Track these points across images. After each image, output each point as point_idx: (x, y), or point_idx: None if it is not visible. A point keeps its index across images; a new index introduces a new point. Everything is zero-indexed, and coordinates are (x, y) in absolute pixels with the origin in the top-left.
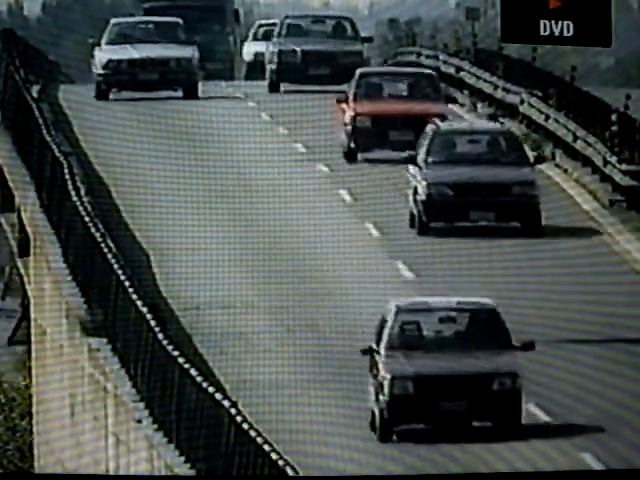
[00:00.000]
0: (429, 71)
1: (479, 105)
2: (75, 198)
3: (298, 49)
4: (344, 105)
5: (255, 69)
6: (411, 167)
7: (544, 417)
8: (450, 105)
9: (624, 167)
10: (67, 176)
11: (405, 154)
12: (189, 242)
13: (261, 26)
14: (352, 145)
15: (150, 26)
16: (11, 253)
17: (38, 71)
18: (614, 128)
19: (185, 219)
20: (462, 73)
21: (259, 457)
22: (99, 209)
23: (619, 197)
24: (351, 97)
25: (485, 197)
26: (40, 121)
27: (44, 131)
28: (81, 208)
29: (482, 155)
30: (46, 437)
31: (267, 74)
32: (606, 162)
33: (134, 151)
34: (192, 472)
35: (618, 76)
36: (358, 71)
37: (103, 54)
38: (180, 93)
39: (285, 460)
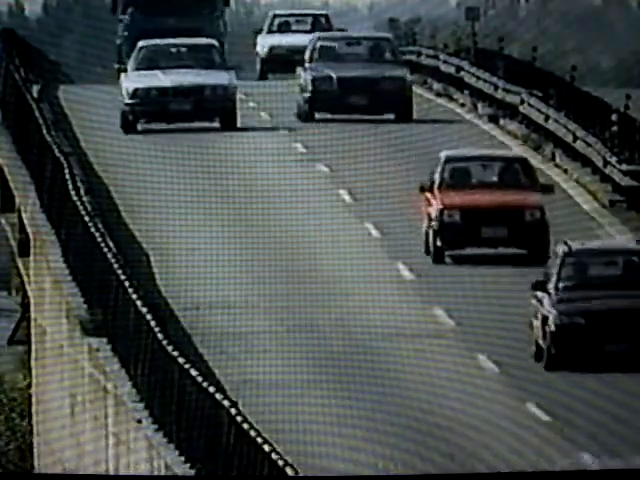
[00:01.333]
0: (522, 155)
1: (479, 105)
2: (75, 198)
3: (334, 75)
4: (429, 195)
5: (271, 65)
6: (538, 293)
7: (544, 417)
8: (451, 105)
9: (624, 167)
10: (67, 176)
11: (498, 251)
12: (189, 242)
13: (276, 16)
14: (439, 243)
15: (182, 49)
16: (11, 253)
17: (38, 71)
18: (614, 128)
19: (185, 219)
20: (462, 73)
21: (259, 457)
22: (99, 209)
23: (619, 197)
24: (436, 186)
25: (620, 325)
26: (40, 121)
27: (44, 131)
28: (81, 208)
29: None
30: (46, 437)
31: (301, 102)
32: (606, 162)
33: (133, 150)
34: (192, 472)
35: (618, 76)
36: (443, 155)
37: (130, 81)
38: (217, 124)
39: (285, 460)
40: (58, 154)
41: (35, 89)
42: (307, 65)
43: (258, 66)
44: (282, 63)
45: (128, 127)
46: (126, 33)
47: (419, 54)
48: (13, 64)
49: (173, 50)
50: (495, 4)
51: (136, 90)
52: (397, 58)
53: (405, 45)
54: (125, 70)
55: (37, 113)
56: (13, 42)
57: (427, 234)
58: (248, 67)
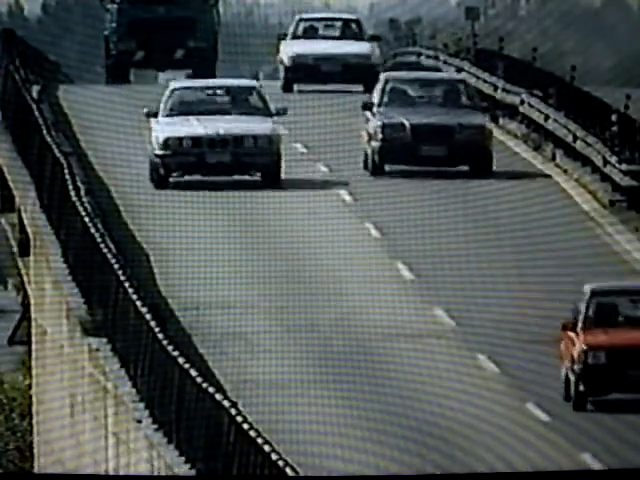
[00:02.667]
0: None
1: None
2: (75, 198)
3: (407, 123)
4: (571, 334)
5: (296, 74)
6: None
7: (544, 417)
8: None
9: (624, 167)
10: (67, 176)
11: None
12: (189, 242)
13: (302, 21)
14: (581, 388)
15: (219, 92)
16: (11, 252)
17: (38, 71)
18: (614, 128)
19: (185, 219)
20: (462, 73)
21: (259, 457)
22: (99, 209)
23: (619, 197)
24: (580, 324)
25: None
26: (40, 121)
27: (44, 131)
28: (81, 208)
29: None
30: (46, 437)
31: (368, 152)
32: (606, 162)
33: (134, 150)
34: (192, 472)
35: (618, 76)
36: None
37: (160, 129)
38: (257, 177)
39: (285, 460)
40: (58, 154)
41: (35, 89)
42: (376, 110)
43: (282, 75)
44: (309, 73)
45: (159, 182)
46: (114, 24)
47: (419, 54)
48: (13, 64)
49: (209, 92)
50: (495, 4)
51: (167, 140)
52: (475, 102)
53: (405, 45)
54: (154, 115)
55: (37, 113)
56: (13, 42)
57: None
58: (247, 68)
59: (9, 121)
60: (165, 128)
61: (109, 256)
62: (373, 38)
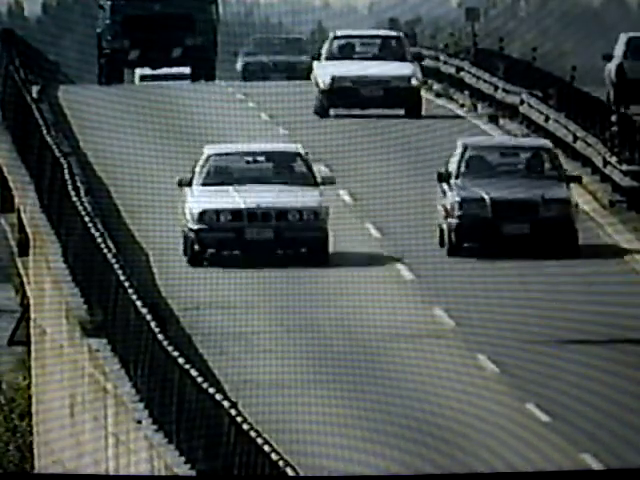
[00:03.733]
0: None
1: (479, 105)
2: (75, 198)
3: (487, 197)
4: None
5: (333, 99)
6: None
7: (544, 417)
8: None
9: (624, 167)
10: (67, 176)
11: None
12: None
13: (337, 38)
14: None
15: (260, 158)
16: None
17: (38, 71)
18: (614, 128)
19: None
20: (462, 73)
21: (259, 457)
22: (99, 209)
23: (619, 197)
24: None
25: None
26: (40, 121)
27: (44, 131)
28: (81, 208)
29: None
30: (46, 437)
31: (445, 229)
32: (606, 162)
33: (133, 150)
34: (192, 472)
35: None
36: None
37: (195, 201)
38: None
39: (285, 460)
40: (58, 154)
41: (35, 89)
42: (453, 182)
43: (317, 99)
44: (347, 97)
45: (193, 258)
46: (108, 21)
47: (419, 54)
48: (13, 64)
49: (249, 159)
50: (496, 4)
51: (203, 213)
52: (559, 172)
53: None
54: (188, 183)
55: (37, 113)
56: (13, 42)
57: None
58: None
59: (9, 121)
60: (201, 199)
61: (109, 256)
62: (415, 57)
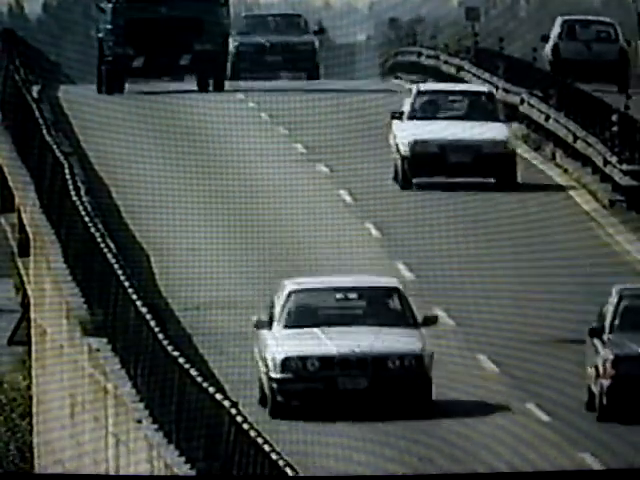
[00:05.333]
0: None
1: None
2: (75, 198)
3: None
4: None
5: (417, 166)
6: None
7: (544, 417)
8: None
9: (624, 167)
10: (67, 176)
11: None
12: (189, 242)
13: (421, 94)
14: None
15: (351, 295)
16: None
17: (38, 71)
18: (614, 128)
19: (185, 219)
20: (462, 73)
21: (259, 457)
22: (99, 209)
23: (619, 197)
24: None
25: None
26: (40, 121)
27: (44, 131)
28: (81, 208)
29: None
30: (46, 437)
31: (594, 391)
32: (606, 162)
33: (134, 151)
34: (192, 472)
35: None
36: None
37: (276, 345)
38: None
39: (285, 460)
40: (58, 154)
41: (35, 89)
42: (606, 337)
43: (398, 166)
44: (432, 164)
45: (275, 410)
46: (109, 26)
47: (420, 54)
48: (13, 64)
49: (338, 296)
50: (496, 4)
51: (287, 360)
52: None
53: (406, 45)
54: (268, 324)
55: (37, 113)
56: (13, 42)
57: None
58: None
59: (9, 121)
60: (284, 343)
61: (109, 256)
62: (509, 118)
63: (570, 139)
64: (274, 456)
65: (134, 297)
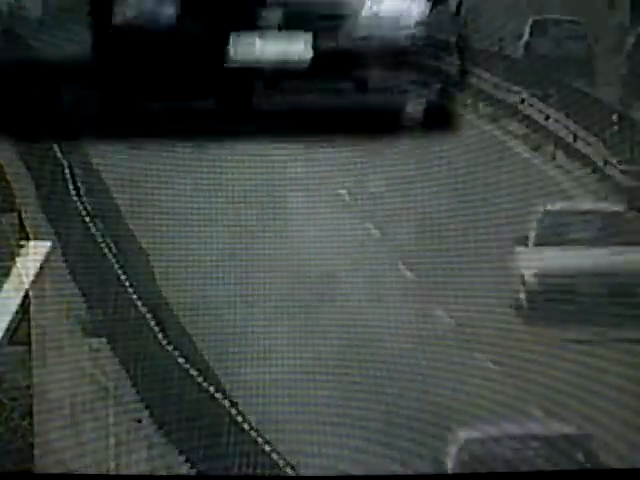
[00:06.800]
0: None
1: (479, 105)
2: (75, 198)
3: None
4: None
5: (544, 302)
6: None
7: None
8: None
9: (624, 167)
10: (68, 176)
11: None
12: (189, 242)
13: (548, 214)
14: None
15: None
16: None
17: None
18: (614, 128)
19: (185, 219)
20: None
21: (259, 457)
22: (99, 209)
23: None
24: None
25: None
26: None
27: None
28: (81, 208)
29: None
30: (46, 437)
31: None
32: (606, 162)
33: (134, 150)
34: (192, 472)
35: None
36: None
37: None
38: None
39: (285, 460)
40: (58, 154)
41: None
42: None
43: (523, 300)
44: (559, 299)
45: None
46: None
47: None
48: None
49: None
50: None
51: None
52: None
53: None
54: None
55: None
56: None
57: None
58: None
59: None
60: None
61: (109, 256)
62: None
63: (570, 139)
64: (274, 456)
65: (134, 297)
